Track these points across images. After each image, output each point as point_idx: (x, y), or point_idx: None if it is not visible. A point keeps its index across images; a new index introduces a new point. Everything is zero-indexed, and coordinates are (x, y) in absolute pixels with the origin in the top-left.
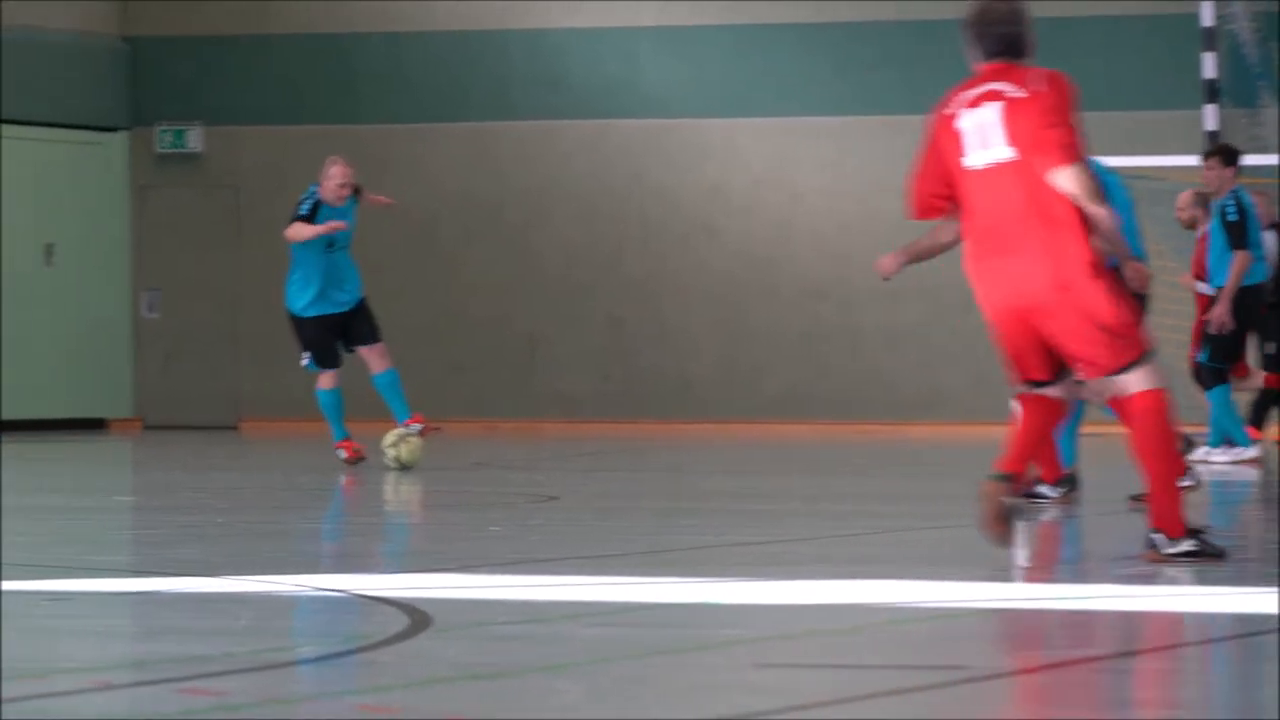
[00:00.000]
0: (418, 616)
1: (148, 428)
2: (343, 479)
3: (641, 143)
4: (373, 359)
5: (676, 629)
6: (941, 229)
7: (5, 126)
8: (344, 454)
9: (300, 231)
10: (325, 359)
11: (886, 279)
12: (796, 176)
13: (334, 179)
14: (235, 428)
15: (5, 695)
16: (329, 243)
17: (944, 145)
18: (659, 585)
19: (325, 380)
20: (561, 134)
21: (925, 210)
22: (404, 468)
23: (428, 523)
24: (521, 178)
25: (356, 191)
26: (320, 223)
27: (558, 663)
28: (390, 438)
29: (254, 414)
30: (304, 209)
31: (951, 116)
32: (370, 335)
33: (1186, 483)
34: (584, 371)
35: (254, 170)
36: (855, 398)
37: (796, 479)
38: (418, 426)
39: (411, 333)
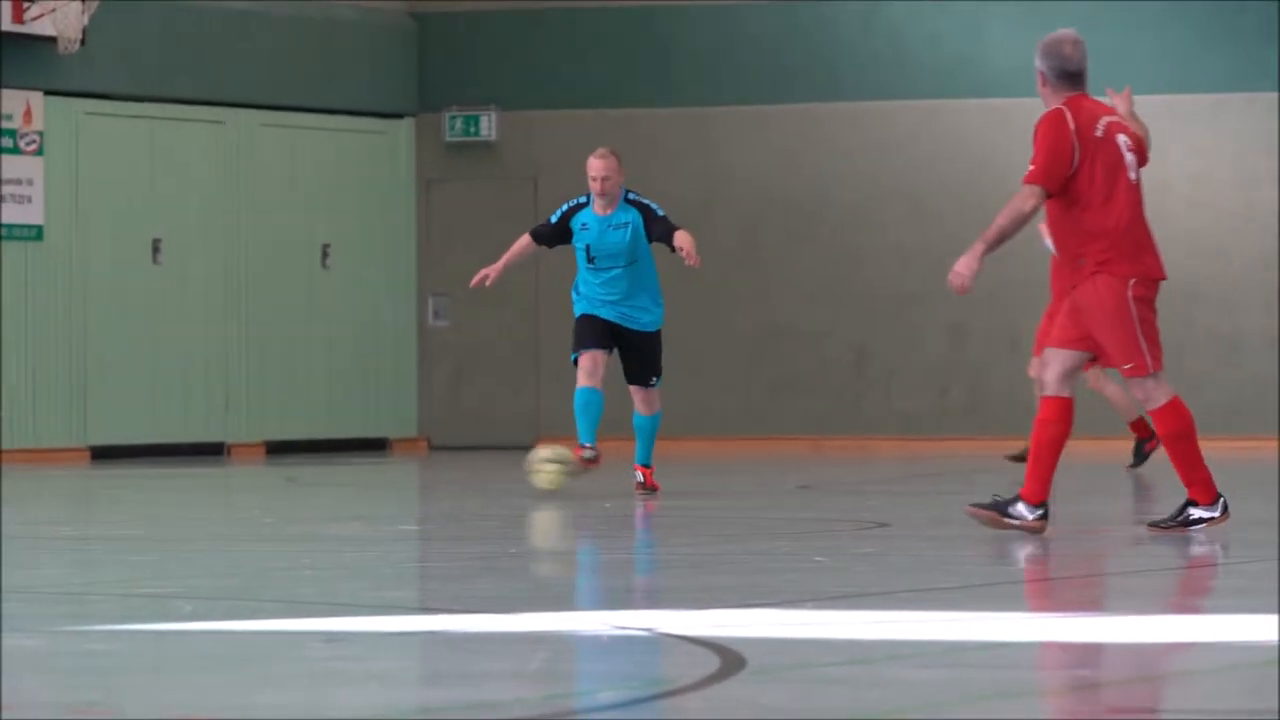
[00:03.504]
0: (730, 658)
1: (434, 448)
2: (642, 505)
3: (986, 126)
4: (637, 399)
5: (1019, 670)
6: None
7: (275, 114)
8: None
9: (511, 247)
10: (585, 339)
11: None
12: (1165, 164)
13: (588, 171)
14: (532, 448)
15: None
16: (589, 257)
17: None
18: (999, 621)
19: (582, 374)
20: (896, 116)
21: None
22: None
23: (744, 553)
24: (851, 165)
25: (641, 207)
26: (578, 238)
27: (886, 709)
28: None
29: (554, 433)
30: (555, 214)
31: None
32: (639, 377)
33: None
34: (920, 386)
35: (554, 161)
36: (1234, 409)
37: (1160, 504)
38: (639, 477)
39: (731, 344)
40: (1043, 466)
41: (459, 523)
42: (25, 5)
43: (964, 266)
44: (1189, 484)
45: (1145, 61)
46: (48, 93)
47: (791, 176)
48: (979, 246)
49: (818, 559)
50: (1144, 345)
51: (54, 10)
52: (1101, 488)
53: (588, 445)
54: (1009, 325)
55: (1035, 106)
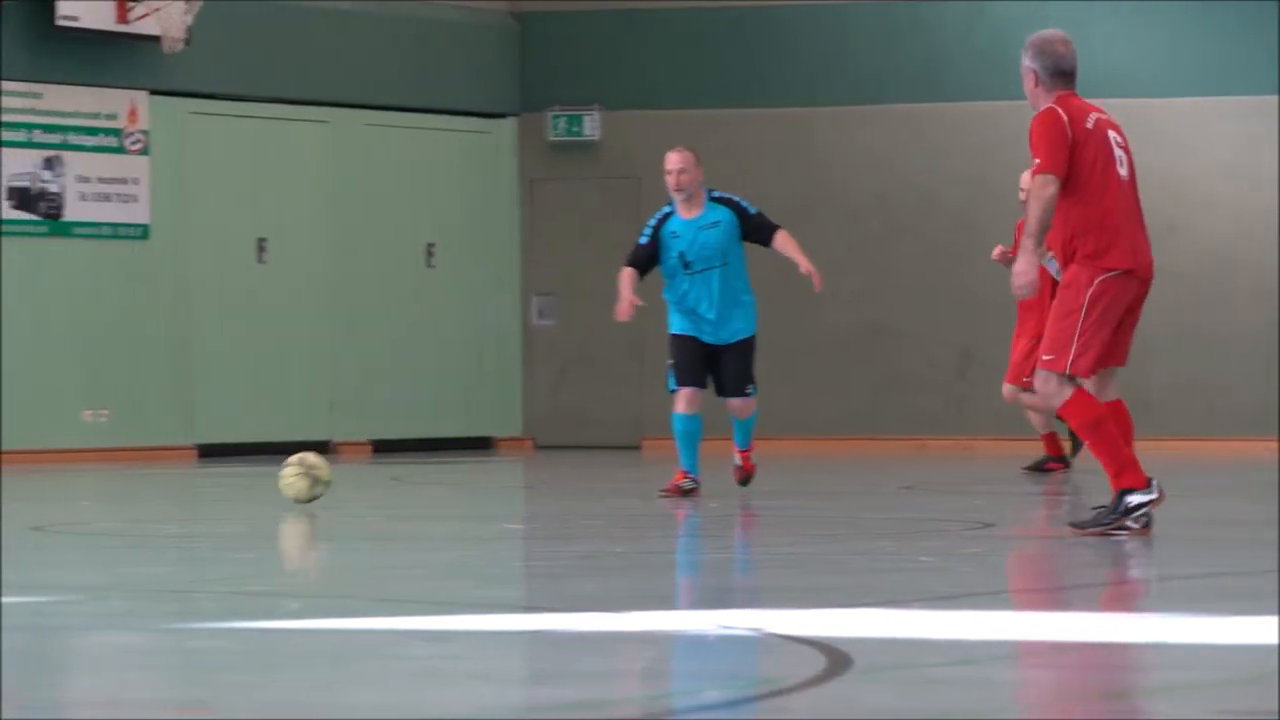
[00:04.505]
0: (837, 657)
1: (539, 448)
2: (743, 506)
3: None
4: (734, 408)
5: (1120, 671)
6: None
7: (379, 113)
8: (671, 483)
9: (620, 282)
10: (684, 375)
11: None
12: (1261, 163)
13: (665, 166)
14: (637, 448)
15: None
16: (682, 262)
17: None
18: (1102, 622)
19: (681, 403)
20: (999, 116)
21: None
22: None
23: (849, 553)
24: (954, 166)
25: (731, 204)
26: (670, 247)
27: (992, 710)
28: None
29: (658, 433)
30: (643, 235)
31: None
32: (734, 388)
33: None
34: None
35: (658, 160)
36: None
37: (1254, 504)
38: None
39: (834, 345)
40: (1123, 455)
41: (563, 522)
42: (129, 5)
43: (1026, 265)
44: (1117, 474)
45: (1249, 61)
46: (153, 92)
47: (893, 177)
48: (1029, 243)
49: (923, 559)
50: (1074, 346)
51: (158, 10)
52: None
53: (691, 475)
54: None
55: (1140, 107)
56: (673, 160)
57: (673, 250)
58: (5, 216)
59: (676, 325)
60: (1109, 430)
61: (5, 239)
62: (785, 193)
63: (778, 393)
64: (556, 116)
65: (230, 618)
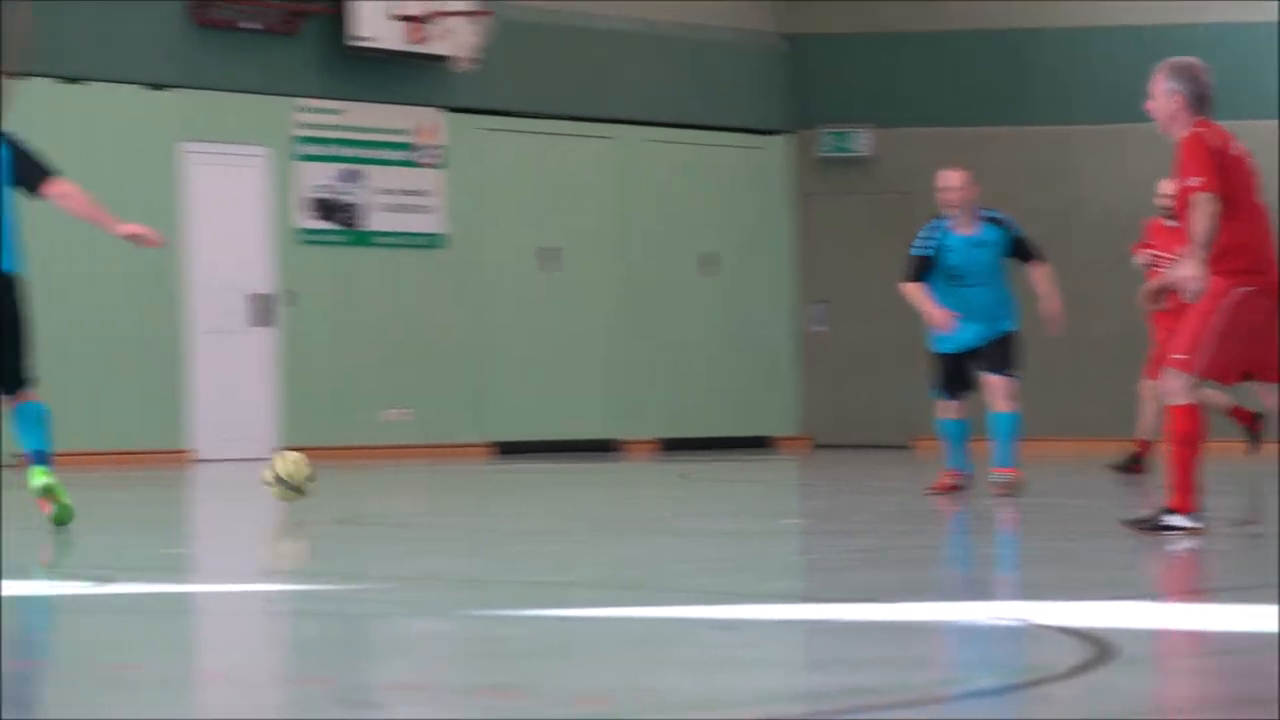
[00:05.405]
0: (1102, 647)
1: (817, 447)
2: (1010, 504)
3: None
4: (995, 393)
5: None
6: None
7: (660, 130)
8: (940, 481)
9: (907, 293)
10: (946, 389)
11: None
12: None
13: (940, 184)
14: (908, 448)
15: None
16: (950, 276)
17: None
18: None
19: (945, 409)
20: (1248, 134)
21: None
22: (291, 487)
23: (1115, 548)
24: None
25: (1002, 224)
26: (943, 259)
27: (1254, 697)
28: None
29: (928, 433)
30: (922, 248)
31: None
32: (997, 364)
33: None
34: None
35: (927, 175)
36: None
37: None
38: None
39: (1100, 350)
40: (1192, 481)
41: (839, 518)
42: (421, 25)
43: (1196, 271)
44: (1175, 490)
45: None
46: (449, 109)
47: (1151, 192)
48: (1200, 252)
49: (1185, 553)
50: (1205, 348)
51: (450, 31)
52: None
53: (959, 473)
54: None
55: None
56: (951, 178)
57: (945, 263)
58: (307, 226)
59: (938, 340)
60: (1197, 453)
61: (307, 248)
62: (1046, 208)
63: (1042, 395)
64: (827, 134)
65: (530, 606)
